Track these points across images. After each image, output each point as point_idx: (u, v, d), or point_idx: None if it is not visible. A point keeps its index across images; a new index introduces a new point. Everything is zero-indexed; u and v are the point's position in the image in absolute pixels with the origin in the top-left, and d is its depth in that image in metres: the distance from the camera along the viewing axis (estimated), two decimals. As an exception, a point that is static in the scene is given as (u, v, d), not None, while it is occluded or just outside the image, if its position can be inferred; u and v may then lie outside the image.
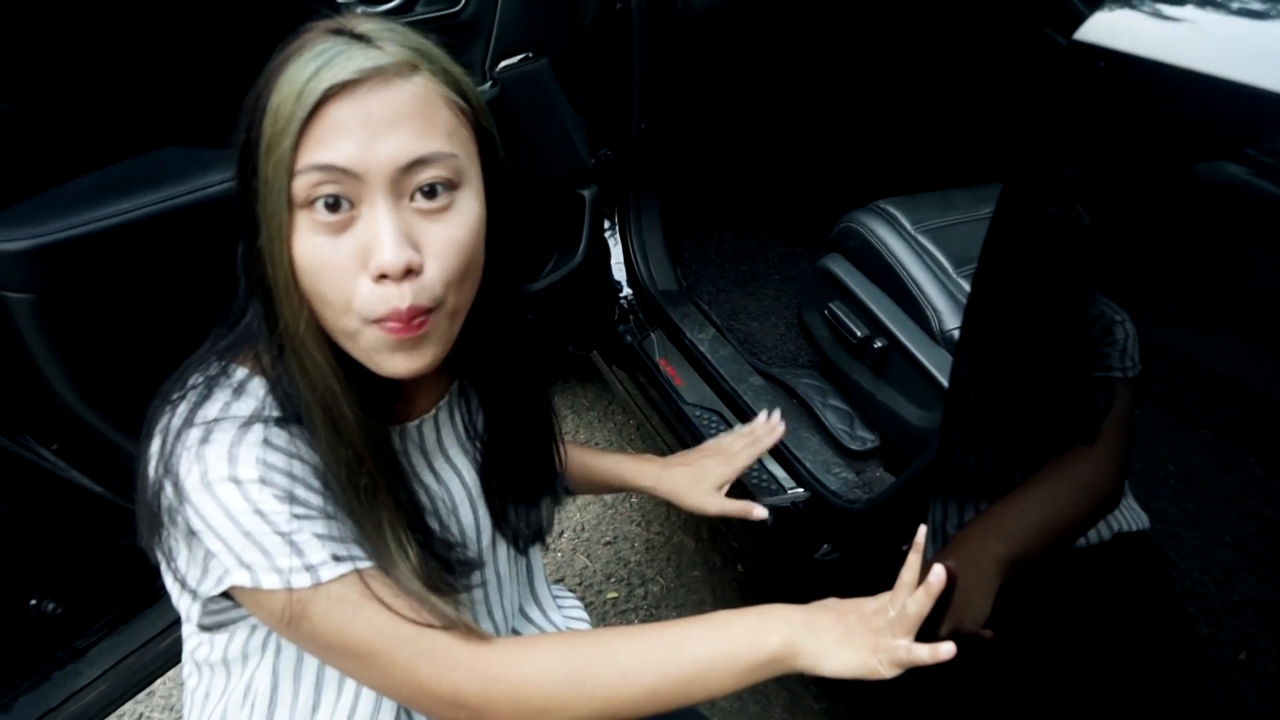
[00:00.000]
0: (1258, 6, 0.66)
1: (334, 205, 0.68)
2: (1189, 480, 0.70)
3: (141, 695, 1.74)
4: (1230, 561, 0.68)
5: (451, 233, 0.72)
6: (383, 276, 0.69)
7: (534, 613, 1.07)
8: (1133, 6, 0.69)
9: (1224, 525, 0.68)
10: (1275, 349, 0.64)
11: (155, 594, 1.27)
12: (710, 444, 1.30)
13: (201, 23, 1.06)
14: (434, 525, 0.86)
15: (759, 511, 1.20)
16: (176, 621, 1.29)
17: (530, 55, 1.57)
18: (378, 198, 0.69)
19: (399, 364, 0.73)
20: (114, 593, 1.23)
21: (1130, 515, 0.75)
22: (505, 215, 0.80)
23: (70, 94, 0.97)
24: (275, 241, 0.69)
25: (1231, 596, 0.69)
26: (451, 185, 0.72)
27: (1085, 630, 0.88)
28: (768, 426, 1.29)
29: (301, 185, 0.68)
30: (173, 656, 1.34)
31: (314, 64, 0.68)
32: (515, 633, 1.02)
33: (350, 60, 0.68)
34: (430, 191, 0.71)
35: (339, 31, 0.71)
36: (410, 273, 0.70)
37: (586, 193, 1.79)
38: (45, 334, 0.96)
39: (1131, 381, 0.72)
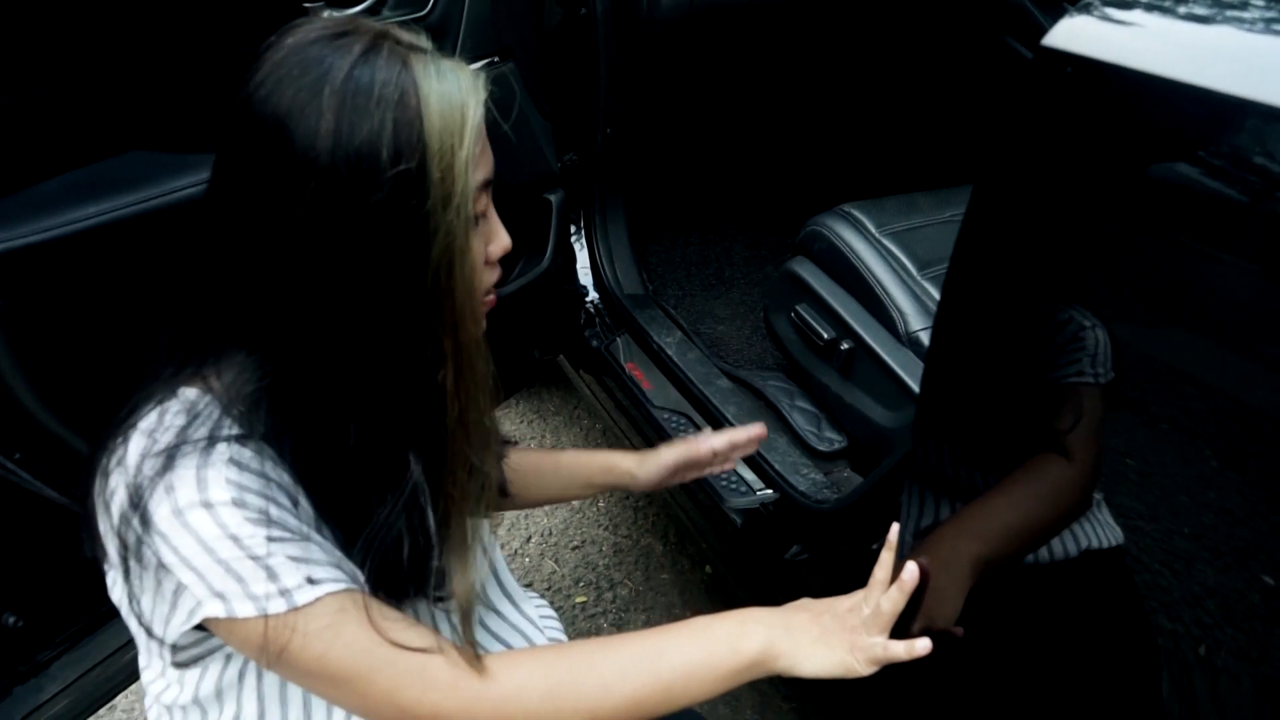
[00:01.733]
0: (1215, 14, 0.68)
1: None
2: (1148, 474, 0.72)
3: (103, 710, 1.71)
4: (1189, 552, 0.70)
5: None
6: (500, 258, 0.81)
7: (505, 606, 1.06)
8: (1096, 13, 0.71)
9: (1182, 517, 0.70)
10: (1230, 345, 0.66)
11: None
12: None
13: (167, 27, 1.04)
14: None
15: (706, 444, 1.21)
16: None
17: (497, 59, 1.57)
18: (485, 198, 0.77)
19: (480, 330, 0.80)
20: (77, 605, 1.21)
21: (1103, 530, 0.77)
22: None
23: (34, 98, 0.95)
24: (462, 259, 0.73)
25: (1190, 587, 0.70)
26: None
27: (1051, 629, 0.89)
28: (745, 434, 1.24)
29: (478, 201, 0.75)
30: (136, 670, 1.31)
31: (452, 80, 0.70)
32: (485, 628, 1.02)
33: (466, 75, 0.72)
34: None
35: (398, 40, 0.71)
36: None
37: (553, 197, 1.79)
38: (8, 341, 0.94)
39: (1103, 387, 0.73)
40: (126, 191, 1.01)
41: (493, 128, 0.78)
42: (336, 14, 0.82)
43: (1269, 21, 0.65)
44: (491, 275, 0.82)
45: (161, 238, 1.01)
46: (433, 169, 0.68)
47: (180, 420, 0.72)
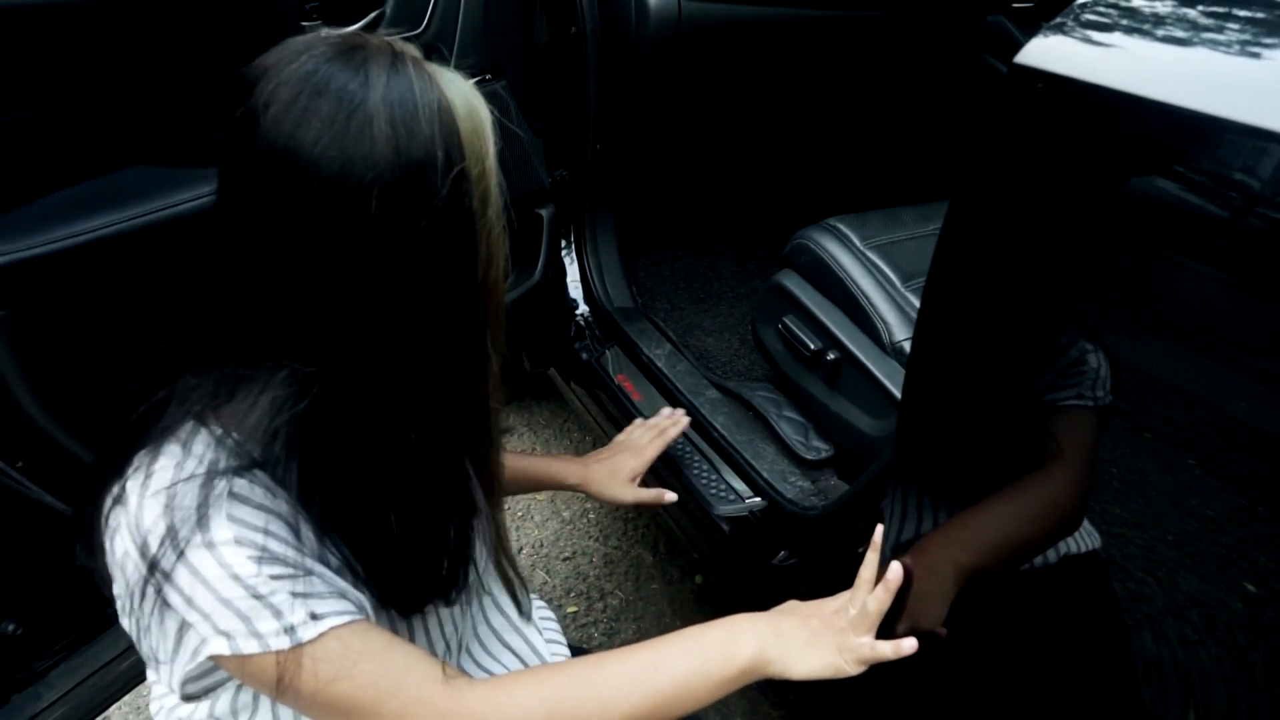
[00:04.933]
0: (1180, 33, 0.71)
1: None
2: (1131, 482, 0.74)
3: (96, 721, 1.71)
4: (1173, 561, 0.71)
5: None
6: None
7: (505, 601, 1.06)
8: (1067, 33, 0.74)
9: (1165, 525, 0.72)
10: (1209, 354, 0.68)
11: (116, 615, 1.25)
12: (621, 439, 1.44)
13: (169, 42, 1.06)
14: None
15: (669, 495, 1.34)
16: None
17: (489, 76, 1.59)
18: None
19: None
20: (75, 613, 1.22)
21: (1082, 535, 0.78)
22: None
23: (38, 113, 0.96)
24: (500, 255, 0.76)
25: (1174, 596, 0.72)
26: None
27: (1033, 632, 0.91)
28: (672, 419, 1.46)
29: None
30: (132, 679, 1.32)
31: (464, 85, 0.73)
32: (488, 623, 1.03)
33: (467, 81, 0.75)
34: None
35: (406, 52, 0.72)
36: None
37: (544, 212, 1.81)
38: (13, 352, 0.95)
39: (1100, 411, 0.75)
40: (129, 205, 1.02)
41: None
42: (334, 31, 0.81)
43: (1228, 41, 0.68)
44: None
45: (164, 250, 1.03)
46: (471, 169, 0.71)
47: (176, 453, 0.71)
